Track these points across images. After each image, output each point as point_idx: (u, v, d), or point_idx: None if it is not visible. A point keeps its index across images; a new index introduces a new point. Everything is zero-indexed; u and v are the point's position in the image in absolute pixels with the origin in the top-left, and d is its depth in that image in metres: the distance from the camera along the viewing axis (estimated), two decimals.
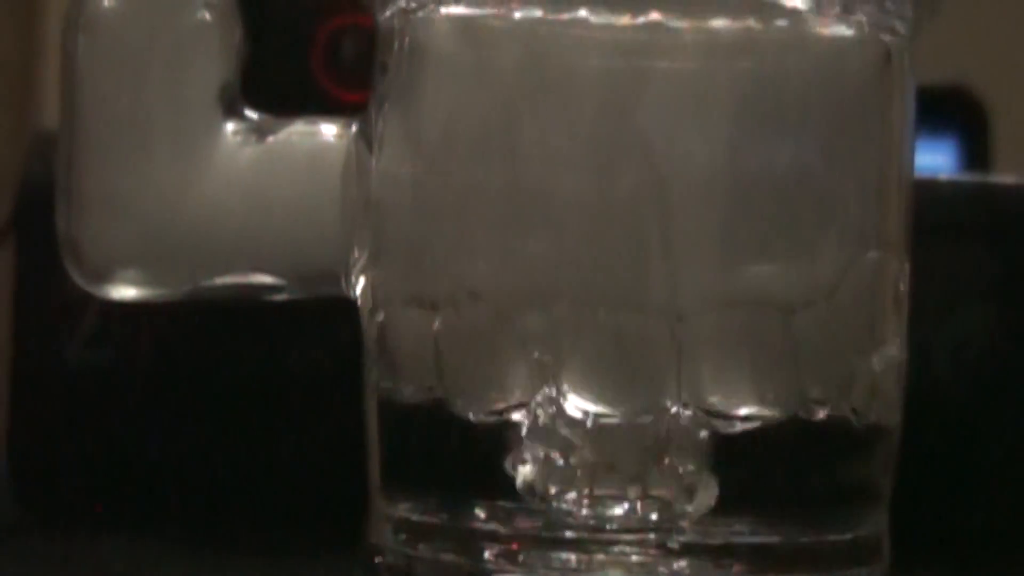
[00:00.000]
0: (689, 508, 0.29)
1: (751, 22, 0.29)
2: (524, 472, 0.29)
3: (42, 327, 0.40)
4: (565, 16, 0.29)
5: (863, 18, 0.30)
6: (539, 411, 0.29)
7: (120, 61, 0.32)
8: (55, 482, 0.41)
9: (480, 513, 0.29)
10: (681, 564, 0.28)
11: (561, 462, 0.29)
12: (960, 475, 0.39)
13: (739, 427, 0.29)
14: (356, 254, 0.31)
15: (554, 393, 0.29)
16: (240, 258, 0.32)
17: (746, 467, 0.29)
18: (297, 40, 0.41)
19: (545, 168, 0.29)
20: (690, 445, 0.29)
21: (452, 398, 0.29)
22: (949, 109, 0.80)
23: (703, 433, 0.29)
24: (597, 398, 0.28)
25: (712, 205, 0.29)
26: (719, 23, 0.29)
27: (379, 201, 0.31)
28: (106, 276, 0.32)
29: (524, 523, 0.29)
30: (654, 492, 0.29)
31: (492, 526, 0.29)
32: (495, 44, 0.30)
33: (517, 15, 0.29)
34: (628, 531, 0.29)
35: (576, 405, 0.29)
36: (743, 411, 0.29)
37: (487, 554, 0.29)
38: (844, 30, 0.30)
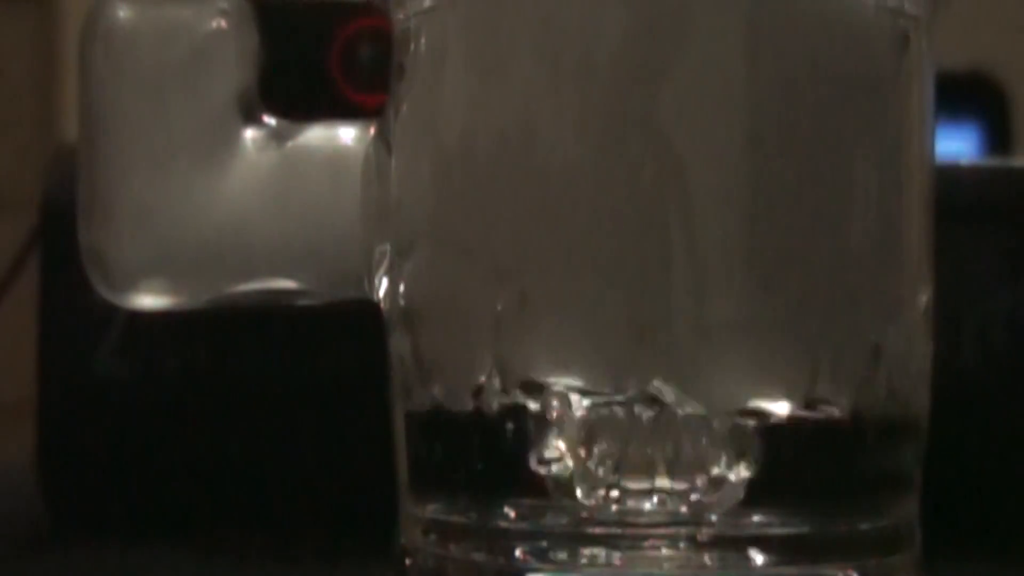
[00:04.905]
0: (718, 500, 0.29)
1: (767, 7, 0.29)
2: (552, 469, 0.29)
3: (68, 340, 0.41)
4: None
5: (881, 2, 0.30)
6: (566, 407, 0.29)
7: (137, 72, 0.32)
8: (83, 493, 0.41)
9: (509, 512, 0.29)
10: (711, 556, 0.28)
11: (589, 458, 0.29)
12: (987, 459, 0.39)
13: (766, 419, 0.29)
14: (378, 256, 0.31)
15: (580, 387, 0.29)
16: (262, 264, 0.32)
17: (774, 457, 0.29)
18: (314, 45, 0.41)
19: (565, 162, 0.29)
20: (717, 437, 0.29)
21: (477, 395, 0.29)
22: (970, 94, 0.80)
23: (730, 425, 0.29)
24: (623, 392, 0.28)
25: (733, 192, 0.29)
26: (736, 6, 0.29)
27: (400, 202, 0.31)
28: (130, 286, 0.32)
29: (553, 520, 0.29)
30: (682, 485, 0.29)
31: (522, 524, 0.29)
32: (511, 41, 0.30)
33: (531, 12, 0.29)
34: (657, 525, 0.28)
35: (602, 400, 0.29)
36: (770, 405, 0.29)
37: (517, 552, 0.29)
38: (862, 14, 0.30)
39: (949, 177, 0.34)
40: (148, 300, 0.32)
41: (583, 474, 0.29)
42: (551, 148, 0.29)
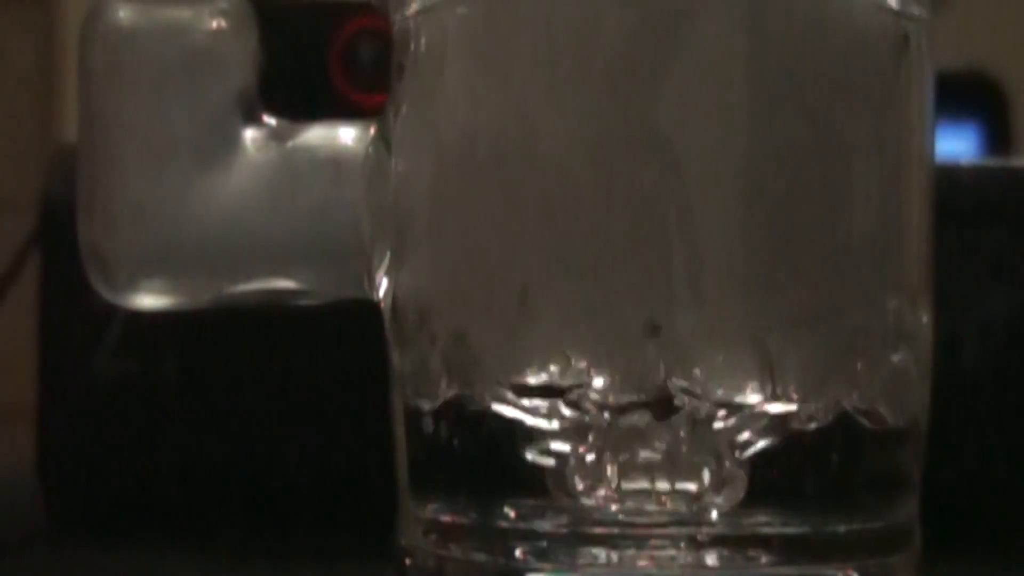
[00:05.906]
0: (718, 500, 0.29)
1: (767, 8, 0.29)
2: (552, 469, 0.29)
3: (68, 339, 0.41)
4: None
5: (880, 2, 0.30)
6: (566, 407, 0.29)
7: (137, 72, 0.32)
8: (83, 493, 0.41)
9: (509, 512, 0.29)
10: (711, 556, 0.28)
11: (589, 458, 0.29)
12: (987, 459, 0.39)
13: (763, 420, 0.29)
14: (378, 256, 0.31)
15: (580, 388, 0.29)
16: (262, 264, 0.32)
17: (774, 458, 0.29)
18: (314, 45, 0.41)
19: (565, 162, 0.29)
20: (717, 437, 0.29)
21: (477, 395, 0.29)
22: (970, 94, 0.80)
23: (731, 424, 0.29)
24: (622, 392, 0.28)
25: (732, 192, 0.29)
26: (736, 7, 0.29)
27: (399, 202, 0.31)
28: (130, 287, 0.32)
29: (553, 520, 0.29)
30: (682, 486, 0.29)
31: (522, 524, 0.29)
32: (510, 41, 0.30)
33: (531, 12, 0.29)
34: (657, 525, 0.28)
35: (603, 399, 0.29)
36: (767, 406, 0.29)
37: (517, 552, 0.29)
38: (862, 15, 0.30)
39: (949, 177, 0.34)
40: (148, 300, 0.32)
41: (584, 473, 0.29)
42: (551, 148, 0.29)
